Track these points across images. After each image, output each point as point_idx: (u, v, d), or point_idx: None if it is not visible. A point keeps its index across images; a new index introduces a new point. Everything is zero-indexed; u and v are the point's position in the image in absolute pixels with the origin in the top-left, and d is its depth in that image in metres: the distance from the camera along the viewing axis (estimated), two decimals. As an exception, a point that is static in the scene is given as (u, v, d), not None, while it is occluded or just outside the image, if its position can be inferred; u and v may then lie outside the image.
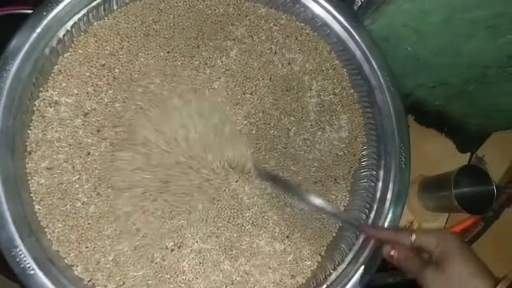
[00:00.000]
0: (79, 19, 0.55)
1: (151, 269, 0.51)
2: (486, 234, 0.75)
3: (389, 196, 0.58)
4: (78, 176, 0.51)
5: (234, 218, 0.55)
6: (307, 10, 0.63)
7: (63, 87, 0.53)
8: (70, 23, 0.55)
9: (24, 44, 0.51)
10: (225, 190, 0.55)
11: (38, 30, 0.52)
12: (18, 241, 0.46)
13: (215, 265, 0.53)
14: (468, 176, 0.68)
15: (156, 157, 0.54)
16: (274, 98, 0.60)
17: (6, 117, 0.49)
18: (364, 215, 0.59)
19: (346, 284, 0.54)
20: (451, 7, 0.55)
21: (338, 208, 0.59)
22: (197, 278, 0.52)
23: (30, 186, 0.50)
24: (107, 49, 0.56)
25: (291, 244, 0.56)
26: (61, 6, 0.53)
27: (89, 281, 0.49)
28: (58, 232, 0.49)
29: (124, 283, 0.50)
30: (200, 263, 0.53)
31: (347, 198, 0.60)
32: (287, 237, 0.56)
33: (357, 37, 0.61)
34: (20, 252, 0.46)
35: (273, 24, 0.63)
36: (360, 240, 0.57)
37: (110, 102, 0.54)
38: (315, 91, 0.62)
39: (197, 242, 0.53)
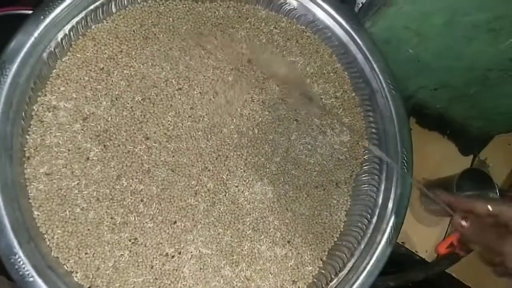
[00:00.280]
0: (77, 23, 0.56)
1: (151, 275, 0.51)
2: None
3: (391, 200, 0.58)
4: (77, 181, 0.51)
5: (234, 223, 0.55)
6: (308, 13, 0.63)
7: (61, 92, 0.54)
8: (68, 26, 0.55)
9: (21, 48, 0.51)
10: (225, 195, 0.56)
11: (36, 34, 0.52)
12: (17, 247, 0.46)
13: (216, 270, 0.53)
14: (471, 180, 0.69)
15: (154, 161, 0.54)
16: (275, 102, 0.60)
17: (4, 123, 0.49)
18: (366, 220, 0.59)
19: (348, 290, 0.54)
20: (452, 9, 0.55)
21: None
22: (198, 284, 0.52)
23: (29, 192, 0.50)
24: (105, 52, 0.56)
25: (292, 249, 0.56)
26: (59, 9, 0.54)
27: (89, 287, 0.49)
28: (57, 238, 0.49)
29: (124, 289, 0.50)
30: (200, 269, 0.53)
31: (349, 203, 0.61)
32: (288, 242, 0.57)
33: (358, 40, 0.62)
34: (19, 259, 0.46)
35: (274, 27, 0.63)
36: (362, 245, 0.57)
37: (109, 106, 0.55)
38: (316, 94, 0.62)
39: (197, 247, 0.53)
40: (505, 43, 0.56)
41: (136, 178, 0.53)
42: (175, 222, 0.53)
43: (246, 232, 0.55)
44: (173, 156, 0.55)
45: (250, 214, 0.56)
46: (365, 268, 0.56)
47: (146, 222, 0.52)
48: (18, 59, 0.51)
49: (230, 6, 0.62)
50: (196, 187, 0.55)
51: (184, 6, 0.61)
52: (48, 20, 0.53)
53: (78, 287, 0.49)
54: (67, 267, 0.49)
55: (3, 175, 0.48)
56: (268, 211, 0.57)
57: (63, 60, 0.55)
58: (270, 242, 0.56)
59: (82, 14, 0.56)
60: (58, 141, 0.52)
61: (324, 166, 0.60)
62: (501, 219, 0.41)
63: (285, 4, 0.63)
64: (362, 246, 0.57)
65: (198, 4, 0.61)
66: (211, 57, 0.60)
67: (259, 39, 0.62)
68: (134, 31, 0.58)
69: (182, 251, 0.53)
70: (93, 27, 0.57)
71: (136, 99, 0.56)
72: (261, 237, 0.56)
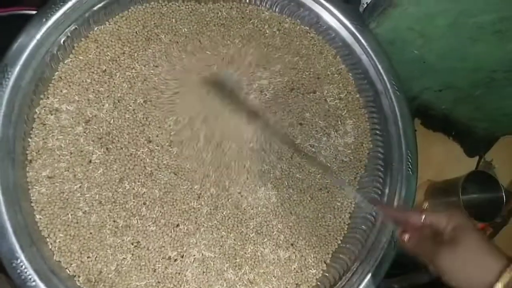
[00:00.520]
0: (80, 25, 0.55)
1: (153, 278, 0.51)
2: (495, 240, 0.75)
3: (395, 203, 0.58)
4: (80, 184, 0.51)
5: (237, 227, 0.55)
6: (312, 13, 0.63)
7: (63, 94, 0.54)
8: (71, 28, 0.55)
9: (23, 51, 0.51)
10: (228, 200, 0.56)
11: (38, 36, 0.52)
12: (19, 251, 0.46)
13: (219, 274, 0.53)
14: (477, 182, 0.68)
15: (157, 164, 0.54)
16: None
17: (6, 126, 0.49)
18: (370, 222, 0.59)
19: (352, 294, 0.54)
20: (457, 11, 0.55)
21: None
22: (201, 288, 0.52)
23: (31, 195, 0.50)
24: (108, 54, 0.56)
25: (295, 252, 0.57)
26: (61, 11, 0.54)
27: (91, 291, 0.49)
28: (59, 242, 0.50)
29: (126, 293, 0.50)
30: (203, 272, 0.53)
31: (353, 205, 0.61)
32: (292, 244, 0.57)
33: (363, 41, 0.62)
34: (21, 263, 0.46)
35: (277, 28, 0.63)
36: (366, 248, 0.57)
37: (111, 109, 0.55)
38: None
39: (200, 251, 0.53)
40: (511, 45, 0.56)
41: (138, 181, 0.53)
42: (177, 225, 0.53)
43: (249, 235, 0.55)
44: (176, 160, 0.55)
45: (253, 219, 0.56)
46: (369, 271, 0.56)
47: (149, 225, 0.52)
48: (20, 62, 0.51)
49: (233, 7, 0.62)
50: (199, 191, 0.55)
51: (187, 7, 0.61)
52: (50, 22, 0.53)
53: (81, 291, 0.49)
54: (69, 271, 0.49)
55: (5, 179, 0.48)
56: (272, 215, 0.57)
57: (65, 62, 0.55)
58: (273, 245, 0.56)
59: (85, 16, 0.56)
60: (60, 144, 0.52)
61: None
62: (435, 229, 0.42)
63: (289, 4, 0.63)
64: (367, 249, 0.57)
65: (201, 5, 0.61)
66: (212, 59, 0.60)
67: (262, 40, 0.62)
68: (136, 32, 0.58)
69: (185, 254, 0.53)
70: (95, 29, 0.57)
71: (138, 101, 0.56)
72: (265, 240, 0.56)
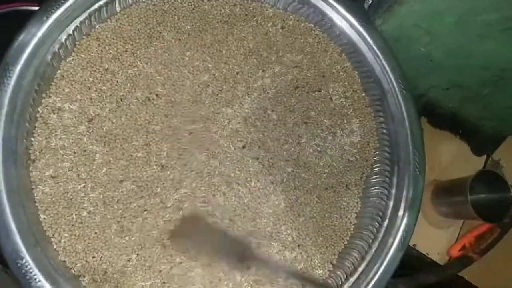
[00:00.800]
0: (81, 22, 0.57)
1: (159, 279, 0.53)
2: (503, 241, 0.76)
3: (402, 203, 0.60)
4: (84, 184, 0.53)
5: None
6: (316, 11, 0.64)
7: (66, 93, 0.55)
8: (72, 26, 0.56)
9: (24, 49, 0.53)
10: (237, 204, 0.57)
11: (39, 34, 0.53)
12: (24, 252, 0.48)
13: (225, 274, 0.55)
14: (484, 182, 0.69)
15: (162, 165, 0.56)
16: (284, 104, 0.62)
17: (8, 125, 0.50)
18: (377, 222, 0.60)
19: (359, 295, 0.55)
20: (464, 8, 0.56)
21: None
22: (206, 289, 0.54)
23: (35, 195, 0.51)
24: (110, 52, 0.58)
25: (302, 252, 0.58)
26: (62, 9, 0.55)
27: (96, 292, 0.51)
28: (64, 242, 0.51)
29: (131, 294, 0.52)
30: (209, 272, 0.54)
31: (359, 205, 0.62)
32: (298, 245, 0.58)
33: (368, 38, 0.63)
34: (26, 264, 0.47)
35: (281, 26, 0.64)
36: (373, 249, 0.59)
37: (114, 107, 0.56)
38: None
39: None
40: (522, 42, 0.57)
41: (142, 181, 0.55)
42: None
43: (257, 240, 0.57)
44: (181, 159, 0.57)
45: (262, 228, 0.57)
46: (376, 272, 0.57)
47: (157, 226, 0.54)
48: (22, 61, 0.52)
49: (236, 3, 0.64)
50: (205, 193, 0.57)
51: (190, 4, 0.62)
52: (51, 20, 0.54)
53: (86, 291, 0.51)
54: (74, 271, 0.51)
55: (8, 179, 0.49)
56: (281, 221, 0.58)
57: (67, 60, 0.56)
58: (280, 246, 0.57)
59: (86, 14, 0.57)
60: (63, 143, 0.53)
61: (334, 168, 0.62)
62: None
63: (293, 1, 0.64)
64: (373, 250, 0.59)
65: (203, 2, 0.63)
66: (215, 57, 0.61)
67: (266, 37, 0.63)
68: (138, 30, 0.59)
69: (190, 254, 0.54)
70: (97, 26, 0.58)
71: (141, 100, 0.57)
72: (271, 242, 0.57)
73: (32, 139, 0.53)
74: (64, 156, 0.53)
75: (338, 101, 0.64)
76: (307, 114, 0.62)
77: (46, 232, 0.51)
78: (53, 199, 0.52)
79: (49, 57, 0.55)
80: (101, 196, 0.53)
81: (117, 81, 0.57)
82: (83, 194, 0.52)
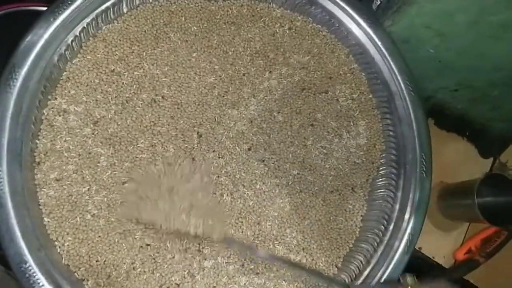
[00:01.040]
0: (88, 24, 0.54)
1: (163, 283, 0.50)
2: (510, 244, 0.73)
3: (409, 206, 0.57)
4: (88, 187, 0.50)
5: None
6: (324, 11, 0.61)
7: (71, 95, 0.53)
8: (79, 28, 0.54)
9: (31, 51, 0.50)
10: (242, 207, 0.55)
11: (46, 36, 0.51)
12: (28, 255, 0.45)
13: (230, 278, 0.52)
14: (491, 185, 0.67)
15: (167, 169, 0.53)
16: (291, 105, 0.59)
17: (13, 127, 0.48)
18: (382, 226, 0.57)
19: (364, 299, 0.53)
20: (477, 8, 0.53)
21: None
22: (211, 292, 0.51)
23: (39, 198, 0.49)
24: (116, 54, 0.55)
25: (306, 256, 0.55)
26: (69, 10, 0.52)
27: (100, 295, 0.49)
28: (68, 245, 0.49)
29: (135, 297, 0.49)
30: (214, 276, 0.52)
31: (365, 208, 0.59)
32: (303, 249, 0.55)
33: (376, 39, 0.60)
34: (29, 267, 0.45)
35: (288, 27, 0.61)
36: (379, 252, 0.56)
37: (120, 109, 0.53)
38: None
39: (211, 255, 0.52)
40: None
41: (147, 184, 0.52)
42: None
43: (262, 243, 0.54)
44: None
45: (267, 231, 0.55)
46: (382, 276, 0.55)
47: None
48: (28, 62, 0.50)
49: (243, 4, 0.60)
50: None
51: (197, 4, 0.59)
52: (58, 21, 0.51)
53: (89, 294, 0.48)
54: (78, 275, 0.48)
55: (13, 181, 0.47)
56: (286, 224, 0.55)
57: (73, 62, 0.53)
58: (285, 249, 0.55)
59: (93, 15, 0.54)
60: (68, 146, 0.51)
61: (339, 170, 0.59)
62: None
63: (301, 2, 0.61)
64: (379, 253, 0.56)
65: (210, 2, 0.60)
66: (222, 58, 0.58)
67: (273, 38, 0.60)
68: (145, 31, 0.57)
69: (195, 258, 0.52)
70: (103, 28, 0.55)
71: (147, 102, 0.55)
72: (276, 245, 0.54)
73: (37, 141, 0.50)
74: (69, 159, 0.51)
75: (344, 103, 0.61)
76: (314, 116, 0.59)
77: (50, 236, 0.48)
78: (57, 202, 0.49)
79: (56, 58, 0.52)
80: (105, 199, 0.51)
81: (123, 83, 0.55)
82: (87, 197, 0.50)
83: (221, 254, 0.52)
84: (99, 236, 0.50)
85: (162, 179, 0.52)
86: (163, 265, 0.51)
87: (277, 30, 0.61)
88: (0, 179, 0.46)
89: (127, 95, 0.54)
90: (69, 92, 0.53)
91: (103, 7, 0.55)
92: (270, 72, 0.59)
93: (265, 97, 0.58)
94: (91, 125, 0.52)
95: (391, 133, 0.60)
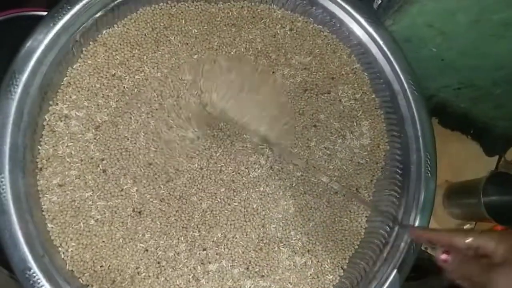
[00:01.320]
0: (88, 28, 0.54)
1: (167, 287, 0.50)
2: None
3: (414, 206, 0.57)
4: (91, 192, 0.50)
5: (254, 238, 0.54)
6: (325, 12, 0.61)
7: (73, 100, 0.53)
8: (79, 32, 0.53)
9: (31, 57, 0.50)
10: (246, 209, 0.55)
11: (46, 41, 0.51)
12: (31, 262, 0.45)
13: (235, 281, 0.52)
14: (497, 184, 0.66)
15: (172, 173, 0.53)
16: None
17: (15, 134, 0.48)
18: (387, 226, 0.57)
19: (370, 301, 0.53)
20: (479, 7, 0.53)
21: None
22: (216, 295, 0.51)
23: (42, 204, 0.49)
24: (117, 58, 0.55)
25: (312, 258, 0.55)
26: (68, 15, 0.52)
27: (104, 301, 0.49)
28: (72, 251, 0.49)
29: (140, 302, 0.49)
30: (219, 279, 0.52)
31: (370, 209, 0.59)
32: (308, 251, 0.55)
33: (378, 39, 0.60)
34: (33, 274, 0.45)
35: (289, 28, 0.61)
36: (384, 253, 0.56)
37: (121, 114, 0.54)
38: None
39: (216, 259, 0.52)
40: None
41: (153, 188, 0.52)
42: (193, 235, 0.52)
43: (267, 245, 0.54)
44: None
45: (272, 234, 0.55)
46: (388, 277, 0.54)
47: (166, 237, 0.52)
48: (29, 68, 0.49)
49: (244, 6, 0.61)
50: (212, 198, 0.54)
51: (197, 7, 0.59)
52: (58, 27, 0.51)
53: (94, 300, 0.48)
54: (83, 281, 0.48)
55: (15, 188, 0.47)
56: (291, 226, 0.55)
57: (74, 67, 0.54)
58: (290, 251, 0.55)
59: (93, 20, 0.54)
60: (70, 151, 0.51)
61: (343, 171, 0.59)
62: (481, 251, 0.40)
63: (301, 3, 0.61)
64: (385, 254, 0.56)
65: (211, 5, 0.60)
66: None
67: (274, 40, 0.60)
68: (145, 34, 0.57)
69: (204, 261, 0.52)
70: (103, 32, 0.55)
71: (149, 105, 0.55)
72: (281, 248, 0.54)
73: (39, 147, 0.50)
74: (71, 164, 0.51)
75: (347, 103, 0.61)
76: (316, 117, 0.59)
77: (54, 242, 0.48)
78: (61, 207, 0.49)
79: (56, 64, 0.52)
80: (109, 204, 0.51)
81: (124, 87, 0.55)
82: (90, 202, 0.50)
83: (226, 258, 0.52)
84: (103, 241, 0.50)
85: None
86: (168, 269, 0.51)
87: (278, 31, 0.61)
88: (3, 186, 0.46)
89: (128, 100, 0.54)
90: (70, 97, 0.53)
91: (103, 11, 0.55)
92: (273, 73, 0.59)
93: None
94: (93, 130, 0.52)
95: (395, 133, 0.60)
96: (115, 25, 0.56)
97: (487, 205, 0.64)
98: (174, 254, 0.51)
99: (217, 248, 0.52)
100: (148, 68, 0.56)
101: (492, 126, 0.76)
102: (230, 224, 0.54)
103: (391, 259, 0.55)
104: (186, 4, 0.59)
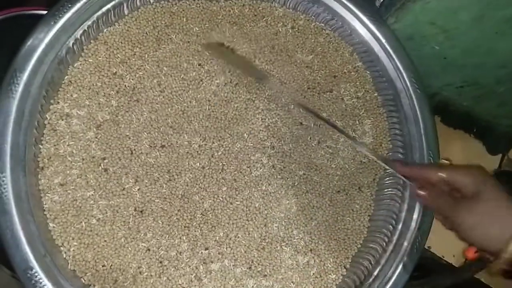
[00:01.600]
0: (89, 27, 0.54)
1: (169, 286, 0.50)
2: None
3: (417, 205, 0.57)
4: (92, 191, 0.51)
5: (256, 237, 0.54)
6: (327, 10, 0.61)
7: (74, 99, 0.53)
8: (80, 31, 0.54)
9: (32, 55, 0.50)
10: (248, 208, 0.55)
11: (47, 40, 0.51)
12: (33, 261, 0.46)
13: (237, 280, 0.52)
14: (501, 182, 0.66)
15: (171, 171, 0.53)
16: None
17: (16, 133, 0.48)
18: (390, 225, 0.57)
19: (374, 300, 0.53)
20: (482, 4, 0.53)
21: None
22: (218, 295, 0.52)
23: (44, 203, 0.49)
24: (118, 56, 0.55)
25: (314, 257, 0.55)
26: (69, 14, 0.52)
27: (106, 300, 0.49)
28: (73, 250, 0.49)
29: (142, 302, 0.49)
30: (221, 279, 0.52)
31: (372, 207, 0.59)
32: (311, 250, 0.55)
33: (381, 37, 0.60)
34: (35, 274, 0.45)
35: (291, 26, 0.61)
36: (388, 252, 0.56)
37: (123, 112, 0.54)
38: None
39: (219, 259, 0.52)
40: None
41: (154, 187, 0.52)
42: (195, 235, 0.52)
43: (269, 245, 0.54)
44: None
45: (274, 233, 0.55)
46: (391, 277, 0.55)
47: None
48: (29, 67, 0.50)
49: (245, 4, 0.61)
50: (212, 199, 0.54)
51: (198, 5, 0.59)
52: (58, 25, 0.52)
53: (96, 300, 0.49)
54: (85, 280, 0.49)
55: (16, 187, 0.47)
56: (293, 225, 0.55)
57: (75, 66, 0.54)
58: (292, 251, 0.55)
59: (93, 18, 0.54)
60: (72, 150, 0.51)
61: (346, 169, 0.59)
62: (454, 186, 0.42)
63: (303, 1, 0.61)
64: (388, 253, 0.56)
65: (212, 3, 0.60)
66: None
67: (276, 38, 0.60)
68: (146, 33, 0.57)
69: (206, 261, 0.52)
70: (104, 30, 0.56)
71: (150, 104, 0.55)
72: (283, 247, 0.54)
73: (41, 146, 0.51)
74: (73, 163, 0.51)
75: (349, 102, 0.61)
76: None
77: (56, 241, 0.49)
78: (62, 207, 0.49)
79: (57, 62, 0.52)
80: (110, 203, 0.51)
81: (125, 85, 0.55)
82: (92, 202, 0.50)
83: (228, 257, 0.53)
84: (105, 241, 0.50)
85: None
86: (170, 268, 0.51)
87: (280, 30, 0.61)
88: (4, 185, 0.47)
89: (129, 98, 0.54)
90: (71, 96, 0.53)
91: (103, 9, 0.55)
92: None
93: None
94: (94, 129, 0.52)
95: (397, 131, 0.60)
96: (116, 24, 0.56)
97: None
98: (176, 254, 0.51)
99: (219, 248, 0.53)
100: (149, 66, 0.56)
101: (495, 125, 0.76)
102: (232, 223, 0.54)
103: (394, 258, 0.55)
104: (187, 2, 0.59)
